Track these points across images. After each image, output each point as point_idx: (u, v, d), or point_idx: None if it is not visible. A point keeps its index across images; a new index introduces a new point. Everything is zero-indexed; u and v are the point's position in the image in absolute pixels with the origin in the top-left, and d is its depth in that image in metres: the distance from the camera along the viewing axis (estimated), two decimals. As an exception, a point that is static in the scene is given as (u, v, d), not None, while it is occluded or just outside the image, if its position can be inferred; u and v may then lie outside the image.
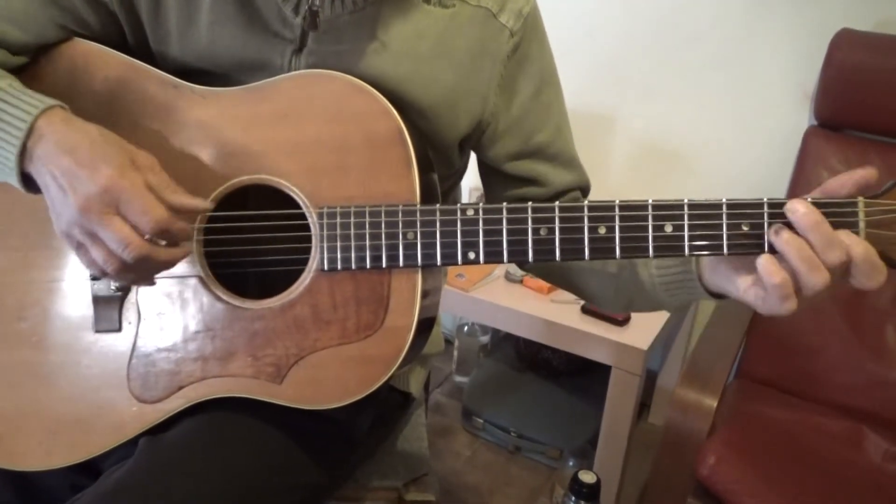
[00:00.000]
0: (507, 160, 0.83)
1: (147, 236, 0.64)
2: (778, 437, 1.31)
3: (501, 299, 1.71)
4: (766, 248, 0.63)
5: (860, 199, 0.61)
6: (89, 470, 0.77)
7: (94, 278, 0.75)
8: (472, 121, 0.80)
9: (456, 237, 0.69)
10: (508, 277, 1.79)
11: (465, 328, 2.15)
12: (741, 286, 0.64)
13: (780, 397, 1.46)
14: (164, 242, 0.66)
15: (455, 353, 2.16)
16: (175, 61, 0.78)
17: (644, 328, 1.59)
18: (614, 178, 1.95)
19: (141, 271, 0.67)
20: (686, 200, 0.64)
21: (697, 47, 1.74)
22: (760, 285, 0.62)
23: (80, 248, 0.66)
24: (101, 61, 0.76)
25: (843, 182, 0.62)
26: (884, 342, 1.43)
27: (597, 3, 1.83)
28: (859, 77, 1.47)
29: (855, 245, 0.59)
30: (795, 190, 1.58)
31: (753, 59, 1.69)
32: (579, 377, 1.97)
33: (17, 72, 0.74)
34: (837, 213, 0.61)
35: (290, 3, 0.74)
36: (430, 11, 0.76)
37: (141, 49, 0.79)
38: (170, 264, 0.68)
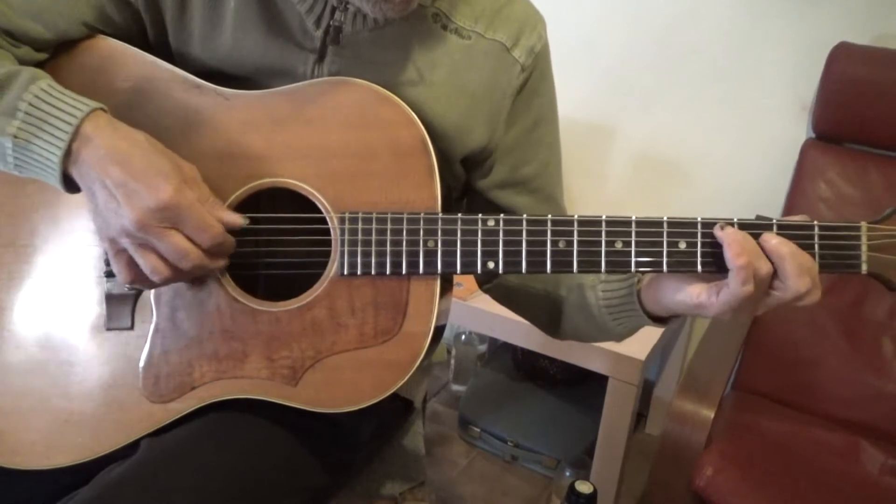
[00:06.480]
0: (493, 188, 0.86)
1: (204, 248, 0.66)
2: (775, 449, 1.31)
3: (499, 308, 1.67)
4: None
5: (863, 223, 0.64)
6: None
7: (108, 275, 0.74)
8: (478, 146, 0.82)
9: (476, 246, 0.70)
10: (506, 286, 1.79)
11: (463, 337, 2.14)
12: (693, 292, 0.66)
13: (777, 409, 1.46)
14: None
15: (452, 361, 2.15)
16: (196, 62, 0.78)
17: (641, 339, 1.57)
18: (613, 187, 1.95)
19: (180, 279, 0.69)
20: (700, 219, 0.66)
21: (697, 59, 1.75)
22: (713, 289, 0.65)
23: (119, 254, 0.67)
24: (125, 59, 0.76)
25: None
26: (881, 355, 1.43)
27: (599, 14, 1.84)
28: (857, 90, 1.48)
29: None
30: (793, 201, 1.58)
31: (752, 71, 1.70)
32: (576, 387, 1.96)
33: (38, 68, 0.74)
34: (842, 237, 0.64)
35: (313, 16, 0.75)
36: (447, 39, 0.78)
37: (160, 48, 0.79)
38: (212, 272, 0.71)
